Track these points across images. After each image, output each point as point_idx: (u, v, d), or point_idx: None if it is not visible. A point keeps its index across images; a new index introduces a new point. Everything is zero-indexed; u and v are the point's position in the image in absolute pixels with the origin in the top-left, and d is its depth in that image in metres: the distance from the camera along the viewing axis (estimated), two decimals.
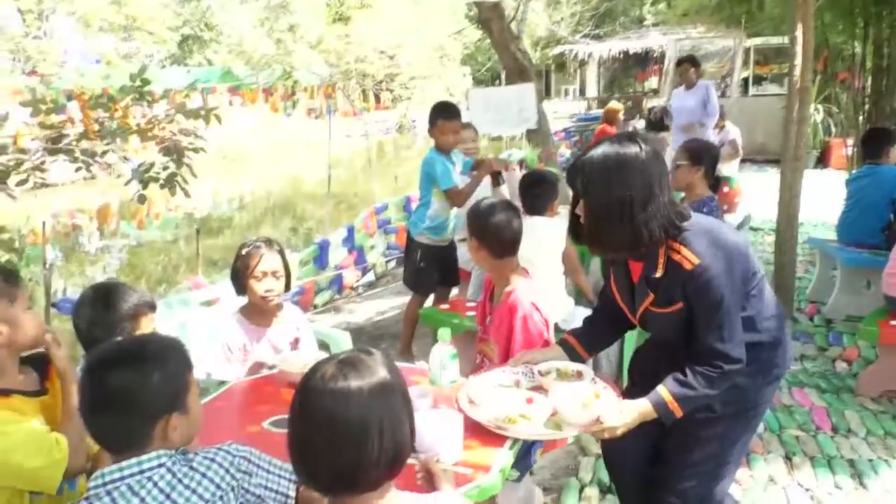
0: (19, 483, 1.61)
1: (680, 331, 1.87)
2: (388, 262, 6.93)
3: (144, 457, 1.26)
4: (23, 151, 3.49)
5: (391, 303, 5.74)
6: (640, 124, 10.14)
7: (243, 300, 2.59)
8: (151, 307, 2.10)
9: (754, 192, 7.82)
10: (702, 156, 3.62)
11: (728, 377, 1.82)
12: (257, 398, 2.13)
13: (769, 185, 6.25)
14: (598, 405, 1.84)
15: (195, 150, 3.96)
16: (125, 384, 1.27)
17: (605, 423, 1.80)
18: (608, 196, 1.78)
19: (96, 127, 3.75)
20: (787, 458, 3.05)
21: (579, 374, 2.08)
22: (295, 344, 2.61)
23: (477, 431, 1.81)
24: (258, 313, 2.52)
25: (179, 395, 1.34)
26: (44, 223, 4.84)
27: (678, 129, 6.52)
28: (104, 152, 3.48)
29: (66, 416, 1.70)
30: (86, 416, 1.30)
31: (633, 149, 1.79)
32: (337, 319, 5.48)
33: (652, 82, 19.21)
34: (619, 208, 1.76)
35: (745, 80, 14.25)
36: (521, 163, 3.93)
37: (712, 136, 6.92)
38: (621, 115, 8.90)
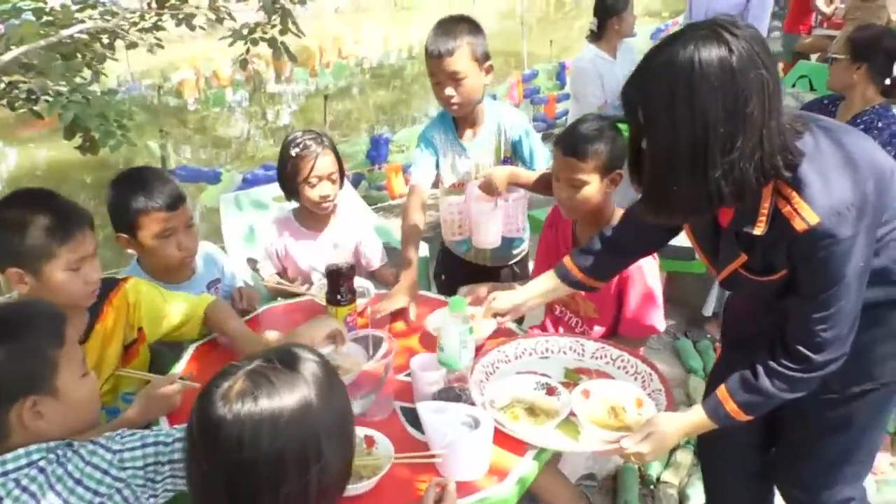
0: None
1: (780, 293, 1.32)
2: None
3: (10, 455, 1.05)
4: (129, 11, 3.37)
5: None
6: None
7: None
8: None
9: None
10: (867, 48, 2.65)
11: (816, 376, 1.28)
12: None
13: None
14: (631, 416, 1.40)
15: (301, 3, 3.66)
16: None
17: (627, 447, 1.34)
18: (672, 134, 1.14)
19: None
20: None
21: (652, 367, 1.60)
22: (356, 249, 2.34)
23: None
24: (311, 217, 2.26)
25: (38, 376, 1.12)
26: None
27: None
28: (214, 8, 3.25)
29: None
30: None
31: (713, 52, 1.09)
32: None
33: None
34: (688, 154, 1.13)
35: None
36: None
37: None
38: None
